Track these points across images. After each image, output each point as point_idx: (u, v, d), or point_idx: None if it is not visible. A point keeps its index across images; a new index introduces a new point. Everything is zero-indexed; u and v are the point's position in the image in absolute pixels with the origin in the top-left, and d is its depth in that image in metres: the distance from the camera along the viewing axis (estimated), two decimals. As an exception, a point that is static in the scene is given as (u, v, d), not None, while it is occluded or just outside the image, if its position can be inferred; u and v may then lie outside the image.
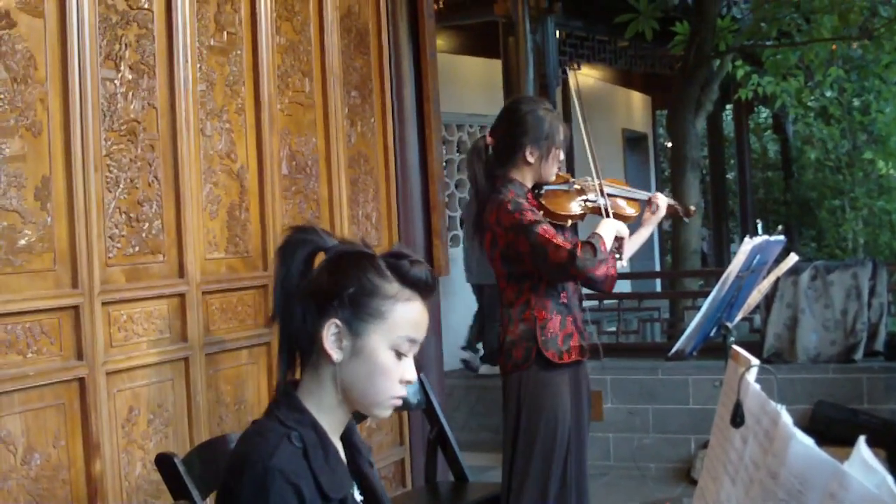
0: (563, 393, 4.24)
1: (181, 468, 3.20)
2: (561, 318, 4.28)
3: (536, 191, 4.39)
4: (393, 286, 2.29)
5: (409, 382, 2.34)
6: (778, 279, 7.42)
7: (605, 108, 16.41)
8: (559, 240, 4.10)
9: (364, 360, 2.27)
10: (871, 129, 15.10)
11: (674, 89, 12.25)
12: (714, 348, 4.67)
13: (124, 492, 4.00)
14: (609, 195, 4.46)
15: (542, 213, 4.28)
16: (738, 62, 12.08)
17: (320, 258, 2.34)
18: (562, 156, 4.44)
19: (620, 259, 4.27)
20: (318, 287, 2.26)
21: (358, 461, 2.43)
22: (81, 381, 3.83)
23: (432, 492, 4.95)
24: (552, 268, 4.11)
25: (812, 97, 14.42)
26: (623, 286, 11.91)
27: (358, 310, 2.26)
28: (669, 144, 13.67)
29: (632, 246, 4.48)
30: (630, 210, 4.57)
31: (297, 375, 2.34)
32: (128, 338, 4.08)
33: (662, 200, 4.57)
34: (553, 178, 4.43)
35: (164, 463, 3.25)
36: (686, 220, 4.78)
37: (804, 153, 16.82)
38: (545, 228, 4.12)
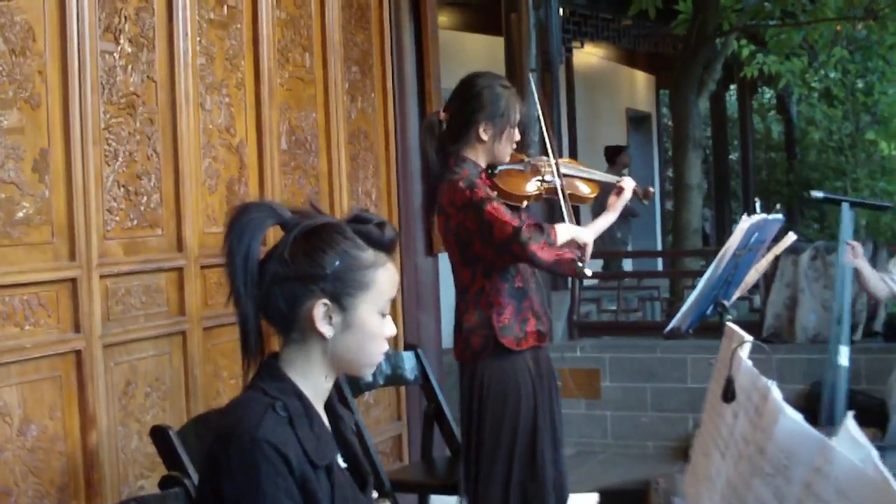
0: (525, 379, 4.11)
1: (175, 440, 3.21)
2: (517, 304, 4.12)
3: (490, 171, 4.20)
4: (368, 254, 2.31)
5: (390, 335, 2.38)
6: (778, 259, 7.42)
7: (609, 87, 16.39)
8: (507, 217, 3.94)
9: (355, 331, 2.30)
10: (875, 111, 15.09)
11: (676, 68, 12.23)
12: (713, 327, 4.66)
13: (120, 464, 4.01)
14: (565, 175, 4.30)
15: (496, 193, 4.11)
16: (742, 42, 12.04)
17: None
18: (518, 136, 4.24)
19: (582, 264, 4.10)
20: (297, 270, 2.26)
21: (341, 428, 2.44)
22: (78, 353, 3.84)
23: (428, 466, 4.96)
24: (496, 245, 3.95)
25: (816, 78, 14.41)
26: (624, 265, 11.93)
27: (343, 285, 2.27)
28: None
29: (596, 229, 4.33)
30: (587, 190, 4.43)
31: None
32: (125, 311, 4.08)
33: (628, 184, 4.41)
34: (507, 157, 4.23)
35: (158, 435, 3.25)
36: (645, 202, 4.64)
37: (807, 134, 16.81)
38: (495, 206, 3.97)
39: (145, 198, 4.20)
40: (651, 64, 17.64)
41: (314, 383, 2.31)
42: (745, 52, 12.01)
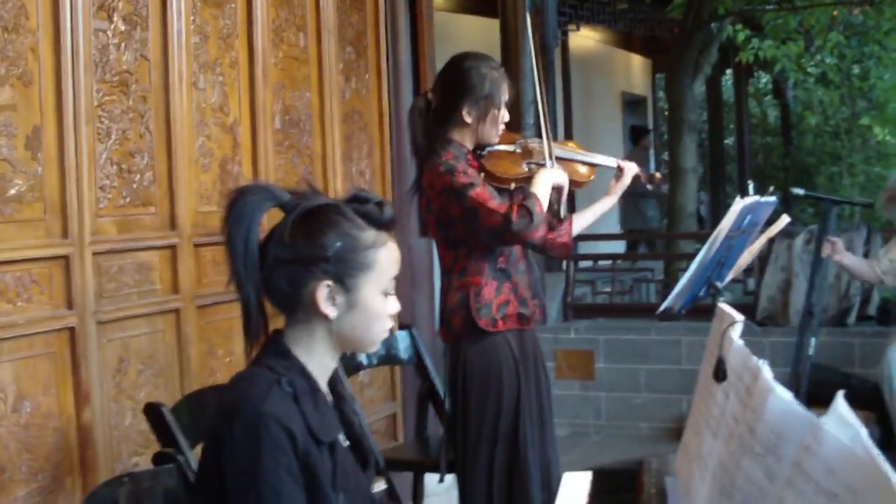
0: (503, 359, 4.06)
1: (169, 417, 3.21)
2: (497, 285, 4.06)
3: (478, 152, 4.15)
4: (369, 234, 2.31)
5: (394, 313, 2.39)
6: (772, 242, 7.45)
7: (605, 70, 16.38)
8: (493, 203, 3.88)
9: (359, 311, 2.31)
10: (871, 96, 15.08)
11: (672, 52, 12.23)
12: (707, 310, 4.66)
13: (114, 441, 4.01)
14: (560, 158, 4.24)
15: (483, 175, 4.07)
16: (738, 26, 12.03)
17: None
18: (506, 117, 4.16)
19: (559, 214, 4.10)
20: (299, 252, 2.26)
21: (343, 408, 2.45)
22: (72, 330, 3.84)
23: (422, 445, 4.97)
24: (486, 232, 3.90)
25: (812, 63, 14.39)
26: (618, 247, 11.95)
27: (346, 266, 2.27)
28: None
29: (594, 213, 4.35)
30: (583, 172, 4.36)
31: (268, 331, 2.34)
32: (118, 288, 4.08)
33: (629, 167, 4.38)
34: (494, 139, 4.15)
35: (151, 412, 3.26)
36: (650, 187, 4.62)
37: (804, 119, 16.80)
38: (478, 192, 3.90)
39: (138, 176, 4.20)
40: (647, 47, 17.63)
41: (319, 362, 2.32)
42: (741, 36, 11.98)
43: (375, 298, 2.32)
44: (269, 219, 2.34)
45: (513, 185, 4.16)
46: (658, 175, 4.54)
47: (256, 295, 2.27)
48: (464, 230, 3.97)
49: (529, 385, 4.12)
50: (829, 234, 5.93)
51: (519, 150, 4.23)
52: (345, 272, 2.27)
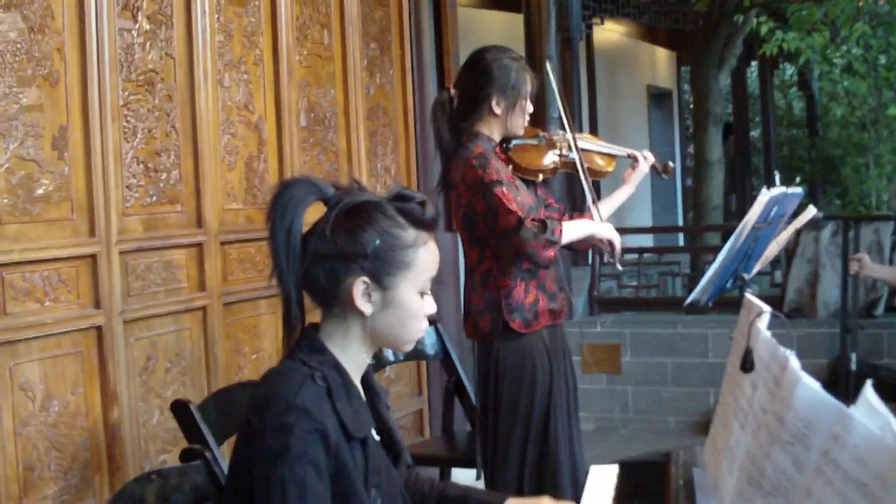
0: (538, 357, 4.08)
1: (196, 414, 3.22)
2: (525, 285, 4.07)
3: (505, 145, 4.18)
4: (409, 233, 2.30)
5: (430, 313, 2.38)
6: (799, 234, 7.42)
7: (630, 63, 16.33)
8: (514, 206, 3.89)
9: (395, 309, 2.30)
10: (897, 86, 14.99)
11: (697, 45, 12.19)
12: (734, 302, 4.66)
13: (142, 439, 4.03)
14: (582, 150, 4.27)
15: (511, 167, 4.09)
16: (762, 18, 11.97)
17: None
18: (530, 107, 4.19)
19: (614, 263, 4.18)
20: (339, 248, 2.25)
21: (376, 403, 2.45)
22: (99, 329, 3.86)
23: (449, 440, 4.98)
24: (500, 233, 3.92)
25: (837, 53, 14.31)
26: (644, 240, 11.92)
27: (384, 264, 2.27)
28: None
29: (613, 204, 4.36)
30: (602, 164, 4.39)
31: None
32: (145, 287, 4.10)
33: (645, 159, 4.41)
34: (521, 131, 4.18)
35: (179, 409, 3.27)
36: (664, 176, 4.62)
37: (829, 110, 16.71)
38: (504, 191, 3.91)
39: (164, 174, 4.21)
40: (672, 40, 17.56)
41: (353, 357, 2.32)
42: (766, 28, 11.92)
43: (412, 297, 2.32)
44: (314, 213, 2.34)
45: (540, 177, 4.19)
46: (671, 165, 4.54)
47: (297, 288, 2.27)
48: (484, 227, 3.98)
49: (560, 380, 4.14)
50: (853, 250, 5.95)
51: (543, 143, 4.25)
52: (382, 270, 2.27)
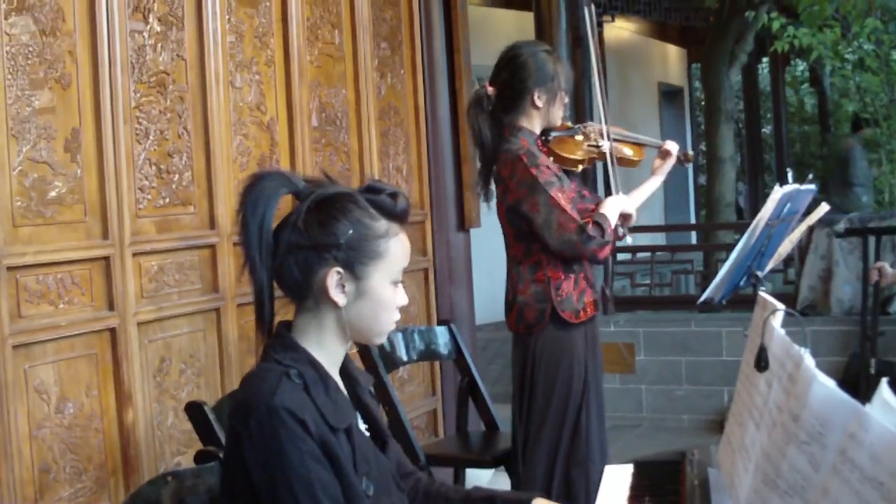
0: (579, 350, 4.19)
1: (211, 416, 3.22)
2: (575, 277, 4.18)
3: (544, 137, 4.28)
4: (381, 224, 2.32)
5: (402, 305, 2.39)
6: (812, 231, 7.40)
7: (641, 61, 16.32)
8: (570, 209, 4.01)
9: (369, 300, 2.32)
10: (910, 82, 14.93)
11: (708, 41, 12.17)
12: (747, 300, 4.65)
13: (156, 441, 4.04)
14: (614, 140, 4.37)
15: (551, 159, 4.19)
16: (773, 14, 11.94)
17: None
18: (566, 99, 4.33)
19: (623, 236, 4.25)
20: (311, 239, 2.27)
21: (358, 392, 2.47)
22: (112, 331, 3.86)
23: (463, 440, 4.98)
24: (557, 237, 4.02)
25: (849, 49, 14.27)
26: (657, 238, 11.91)
27: (357, 254, 2.28)
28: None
29: (642, 194, 4.43)
30: (631, 153, 4.49)
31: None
32: (158, 289, 4.10)
33: (672, 147, 4.50)
34: (559, 122, 4.31)
35: (193, 410, 3.27)
36: (685, 164, 4.67)
37: (841, 107, 16.67)
38: (559, 195, 4.03)
39: (177, 176, 4.22)
40: (683, 37, 17.55)
41: (328, 350, 2.33)
42: (777, 24, 11.89)
43: (385, 288, 2.33)
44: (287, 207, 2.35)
45: (579, 168, 4.31)
46: (691, 153, 4.60)
47: (269, 282, 2.28)
48: (538, 227, 4.06)
49: (594, 374, 4.26)
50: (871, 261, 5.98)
51: (579, 135, 4.36)
52: (355, 259, 2.28)
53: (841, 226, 6.38)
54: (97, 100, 3.84)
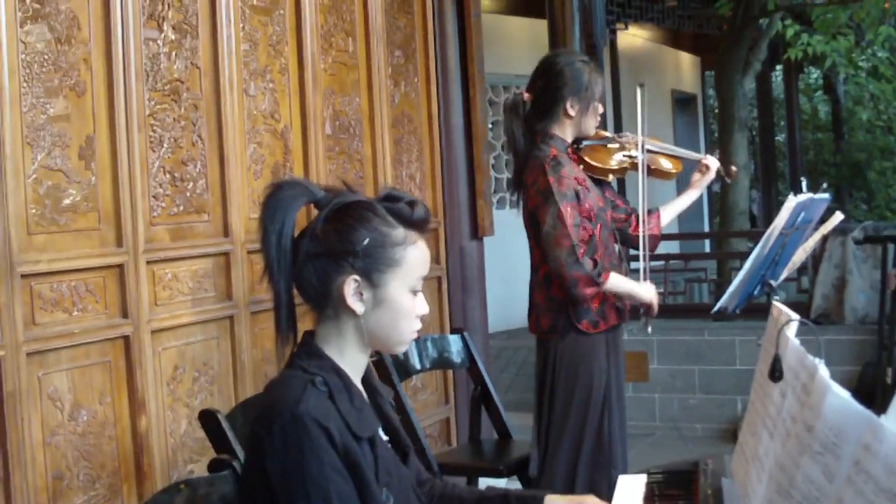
0: (600, 357, 4.22)
1: (224, 424, 3.22)
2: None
3: (576, 145, 4.34)
4: (399, 231, 2.32)
5: (423, 314, 2.39)
6: (826, 240, 7.38)
7: (654, 68, 16.30)
8: (571, 226, 4.05)
9: (387, 308, 2.32)
10: (923, 90, 14.91)
11: (721, 49, 12.15)
12: (761, 309, 4.63)
13: (170, 448, 4.04)
14: (649, 152, 4.41)
15: (582, 167, 4.25)
16: (787, 21, 11.94)
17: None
18: (601, 109, 4.38)
19: (646, 322, 4.34)
20: (329, 247, 2.28)
21: (379, 402, 2.47)
22: (126, 338, 3.87)
23: (475, 448, 4.97)
24: (550, 251, 4.08)
25: (863, 57, 14.26)
26: (671, 247, 11.90)
27: (374, 262, 2.29)
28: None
29: (679, 207, 4.53)
30: (669, 166, 4.53)
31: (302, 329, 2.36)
32: (172, 296, 4.11)
33: (713, 162, 4.56)
34: (592, 131, 4.37)
35: (207, 418, 3.27)
36: (728, 180, 4.73)
37: (855, 114, 16.67)
38: (569, 210, 4.07)
39: (191, 184, 4.23)
40: (696, 45, 17.54)
41: (351, 359, 2.34)
42: (790, 32, 11.88)
43: (403, 296, 2.33)
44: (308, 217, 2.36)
45: (610, 177, 4.36)
46: (734, 169, 4.65)
47: (288, 290, 2.29)
48: (542, 237, 4.13)
49: (617, 383, 4.31)
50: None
51: (612, 144, 4.43)
52: (372, 267, 2.28)
53: (858, 233, 6.38)
54: (111, 107, 3.85)
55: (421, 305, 2.38)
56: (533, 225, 4.22)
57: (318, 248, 2.28)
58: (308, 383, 2.21)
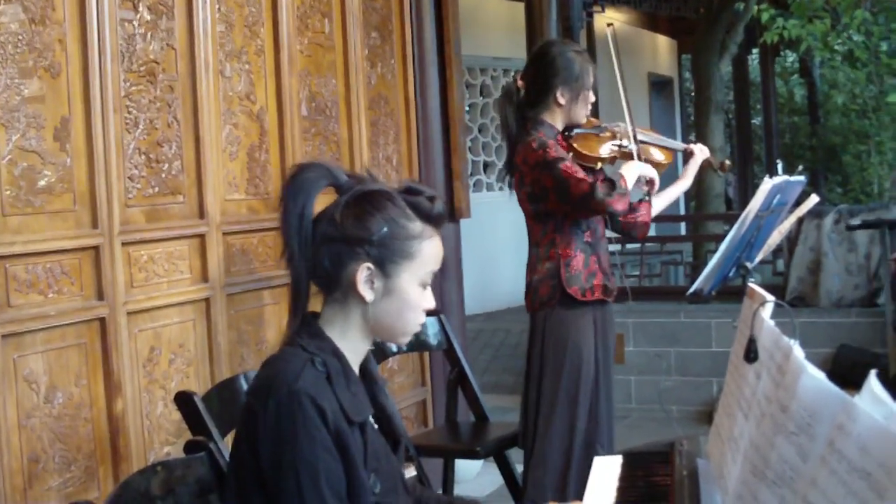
0: (588, 331, 4.28)
1: (200, 406, 3.22)
2: (585, 257, 4.28)
3: (567, 133, 4.40)
4: (416, 225, 2.33)
5: (429, 309, 2.40)
6: (801, 222, 7.41)
7: (631, 51, 16.29)
8: (581, 174, 4.11)
9: (395, 299, 2.32)
10: (899, 73, 14.94)
11: (698, 32, 12.18)
12: (736, 291, 4.65)
13: (146, 430, 4.04)
14: (641, 142, 4.46)
15: (571, 155, 4.29)
16: (763, 5, 11.95)
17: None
18: (592, 98, 4.45)
19: (649, 200, 4.36)
20: (346, 232, 2.28)
21: (374, 391, 2.47)
22: (102, 320, 3.86)
23: (452, 430, 4.98)
24: (574, 201, 4.12)
25: (838, 40, 14.28)
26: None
27: (389, 252, 2.29)
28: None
29: (668, 197, 4.58)
30: (660, 157, 4.57)
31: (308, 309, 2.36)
32: (148, 278, 4.10)
33: (699, 151, 4.61)
34: (583, 120, 4.44)
35: (183, 400, 3.26)
36: (721, 174, 4.78)
37: (830, 98, 16.69)
38: (567, 164, 4.13)
39: (166, 165, 4.21)
40: (673, 28, 17.57)
41: (352, 345, 2.34)
42: (766, 16, 11.89)
43: (412, 288, 2.34)
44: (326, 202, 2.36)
45: (599, 165, 4.40)
46: (727, 163, 4.73)
47: (308, 272, 2.30)
48: (555, 199, 4.19)
49: (605, 361, 4.37)
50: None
51: (604, 133, 4.48)
52: (387, 257, 2.29)
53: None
54: (87, 89, 3.83)
55: (428, 299, 2.39)
56: (533, 202, 4.30)
57: (335, 232, 2.28)
58: (307, 362, 2.21)
